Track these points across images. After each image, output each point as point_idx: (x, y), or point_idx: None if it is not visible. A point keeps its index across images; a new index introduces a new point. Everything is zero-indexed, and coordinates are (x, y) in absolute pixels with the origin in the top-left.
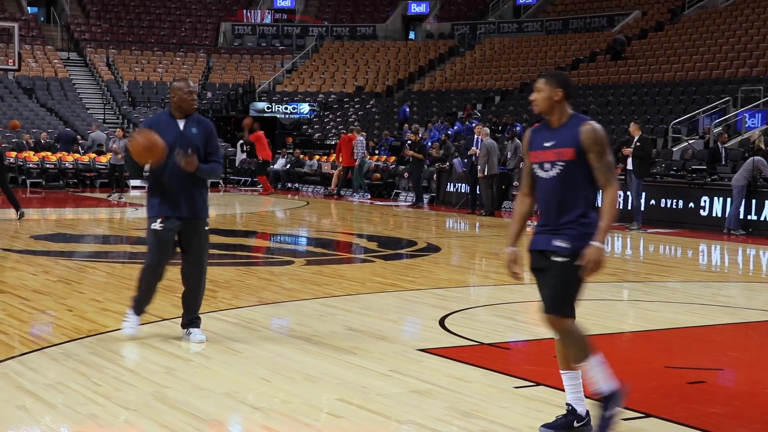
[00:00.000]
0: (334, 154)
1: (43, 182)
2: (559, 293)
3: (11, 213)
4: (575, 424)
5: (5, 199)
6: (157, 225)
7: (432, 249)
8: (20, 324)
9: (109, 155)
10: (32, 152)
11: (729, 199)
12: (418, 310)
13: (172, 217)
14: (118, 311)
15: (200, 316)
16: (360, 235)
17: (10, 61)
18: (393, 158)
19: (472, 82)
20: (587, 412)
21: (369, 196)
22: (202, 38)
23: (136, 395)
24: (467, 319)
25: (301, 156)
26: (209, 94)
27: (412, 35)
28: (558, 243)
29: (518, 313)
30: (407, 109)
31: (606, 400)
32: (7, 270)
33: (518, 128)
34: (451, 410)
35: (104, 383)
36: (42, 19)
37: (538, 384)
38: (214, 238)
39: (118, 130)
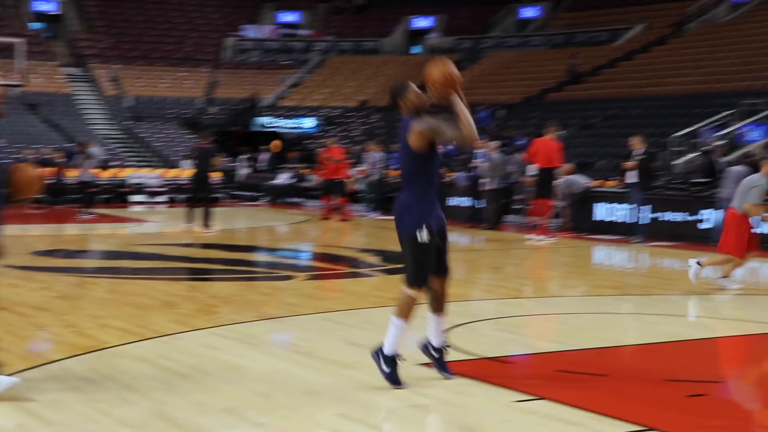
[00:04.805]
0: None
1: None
2: None
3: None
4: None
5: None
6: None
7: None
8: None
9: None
10: None
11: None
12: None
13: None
14: (119, 327)
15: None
16: (365, 250)
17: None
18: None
19: (475, 96)
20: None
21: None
22: (206, 53)
23: (135, 412)
24: (469, 333)
25: (304, 171)
26: (213, 109)
27: (416, 49)
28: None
29: (519, 327)
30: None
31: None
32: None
33: (519, 142)
34: (452, 425)
35: (103, 400)
36: (51, 34)
37: (540, 398)
38: (217, 254)
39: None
